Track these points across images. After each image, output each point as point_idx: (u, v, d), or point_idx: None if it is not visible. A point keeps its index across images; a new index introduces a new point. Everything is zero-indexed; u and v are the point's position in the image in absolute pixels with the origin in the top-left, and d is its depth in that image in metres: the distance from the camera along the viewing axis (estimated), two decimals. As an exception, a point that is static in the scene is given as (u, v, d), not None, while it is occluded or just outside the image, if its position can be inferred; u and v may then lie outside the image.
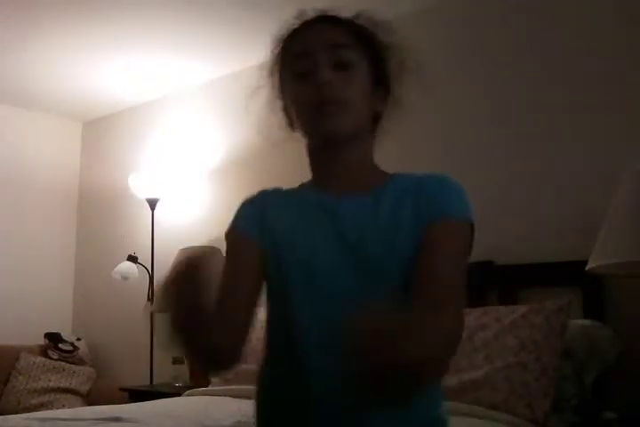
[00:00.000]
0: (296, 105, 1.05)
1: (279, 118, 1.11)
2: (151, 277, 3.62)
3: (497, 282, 2.44)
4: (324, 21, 1.07)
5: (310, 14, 1.09)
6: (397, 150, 2.88)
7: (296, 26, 1.09)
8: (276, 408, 1.03)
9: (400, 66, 1.08)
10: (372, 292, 0.97)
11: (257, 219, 1.07)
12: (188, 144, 3.82)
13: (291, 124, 1.10)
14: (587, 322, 2.11)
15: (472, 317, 2.14)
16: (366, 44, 1.07)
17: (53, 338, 3.83)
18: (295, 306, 1.00)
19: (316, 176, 1.11)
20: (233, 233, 1.08)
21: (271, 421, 1.04)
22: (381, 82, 1.09)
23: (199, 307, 0.86)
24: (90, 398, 3.59)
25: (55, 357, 3.73)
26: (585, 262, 1.88)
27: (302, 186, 1.13)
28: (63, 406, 3.36)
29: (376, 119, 1.10)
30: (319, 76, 1.01)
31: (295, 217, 1.06)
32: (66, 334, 3.94)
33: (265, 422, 1.04)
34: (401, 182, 1.06)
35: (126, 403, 2.85)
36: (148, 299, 3.59)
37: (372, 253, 0.99)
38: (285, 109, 1.10)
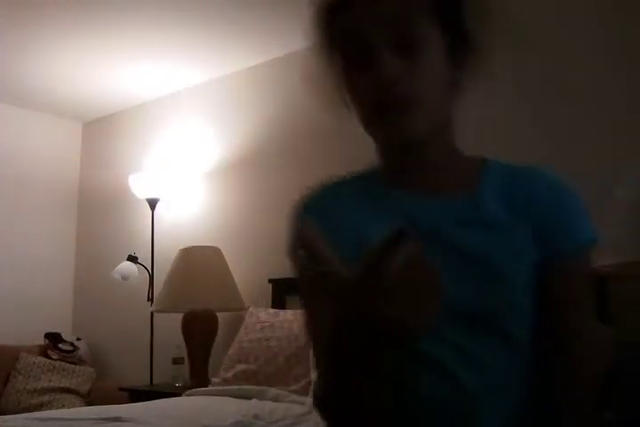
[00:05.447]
0: (352, 99, 0.84)
1: (329, 99, 0.88)
2: (151, 277, 3.62)
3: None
4: None
5: None
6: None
7: None
8: None
9: (481, 7, 0.83)
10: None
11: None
12: (188, 144, 3.82)
13: (347, 106, 0.86)
14: (587, 322, 2.10)
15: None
16: None
17: (53, 338, 3.83)
18: None
19: (387, 171, 0.90)
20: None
21: None
22: (459, 39, 0.83)
23: None
24: (90, 398, 3.58)
25: (55, 357, 3.72)
26: (585, 262, 1.88)
27: (368, 175, 0.92)
28: (63, 406, 3.36)
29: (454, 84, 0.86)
30: (378, 69, 0.77)
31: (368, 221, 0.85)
32: (66, 334, 3.94)
33: None
34: (501, 183, 0.88)
35: (126, 403, 2.85)
36: (148, 299, 3.59)
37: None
38: (339, 90, 0.87)
